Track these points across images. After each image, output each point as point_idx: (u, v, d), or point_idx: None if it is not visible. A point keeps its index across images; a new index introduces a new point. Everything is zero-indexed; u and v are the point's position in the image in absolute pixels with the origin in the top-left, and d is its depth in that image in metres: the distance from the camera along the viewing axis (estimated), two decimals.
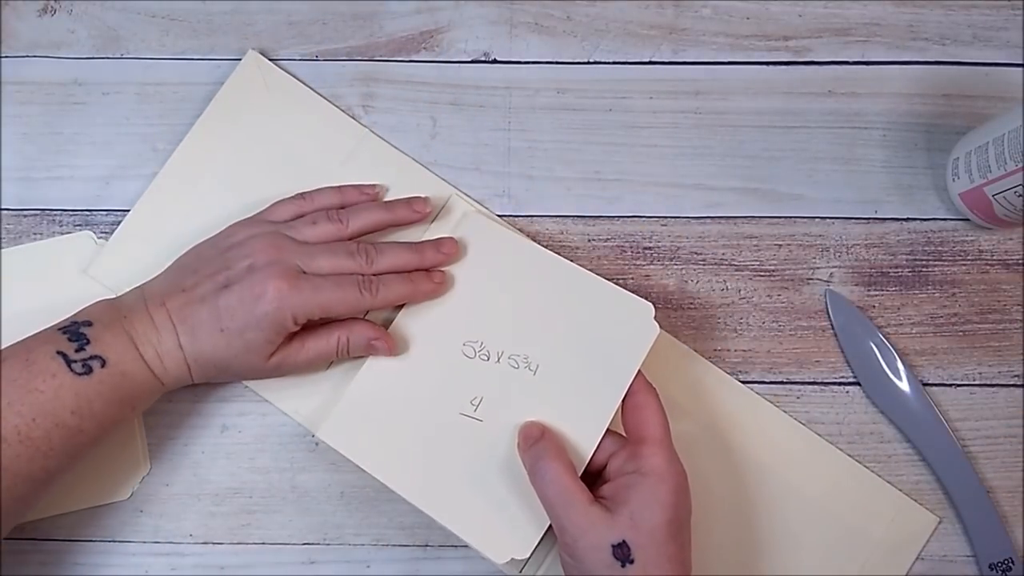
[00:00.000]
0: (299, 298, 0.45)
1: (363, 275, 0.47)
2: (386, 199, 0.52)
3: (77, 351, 0.42)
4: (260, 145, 0.53)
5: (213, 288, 0.45)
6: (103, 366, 0.43)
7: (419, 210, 0.51)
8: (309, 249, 0.47)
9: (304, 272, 0.46)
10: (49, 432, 0.41)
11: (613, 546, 0.42)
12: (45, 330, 0.44)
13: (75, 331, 0.43)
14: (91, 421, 0.42)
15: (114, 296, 0.47)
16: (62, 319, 0.45)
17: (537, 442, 0.46)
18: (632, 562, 0.42)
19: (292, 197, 0.50)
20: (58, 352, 0.42)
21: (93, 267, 0.51)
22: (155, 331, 0.44)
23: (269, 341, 0.45)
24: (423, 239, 0.50)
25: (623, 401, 0.47)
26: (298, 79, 0.54)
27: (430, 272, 0.49)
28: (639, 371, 0.47)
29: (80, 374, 0.42)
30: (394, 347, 0.48)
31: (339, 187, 0.51)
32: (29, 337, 0.44)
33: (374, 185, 0.52)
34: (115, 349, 0.43)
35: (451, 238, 0.50)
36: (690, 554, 0.44)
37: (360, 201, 0.51)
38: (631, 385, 0.47)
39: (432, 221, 0.52)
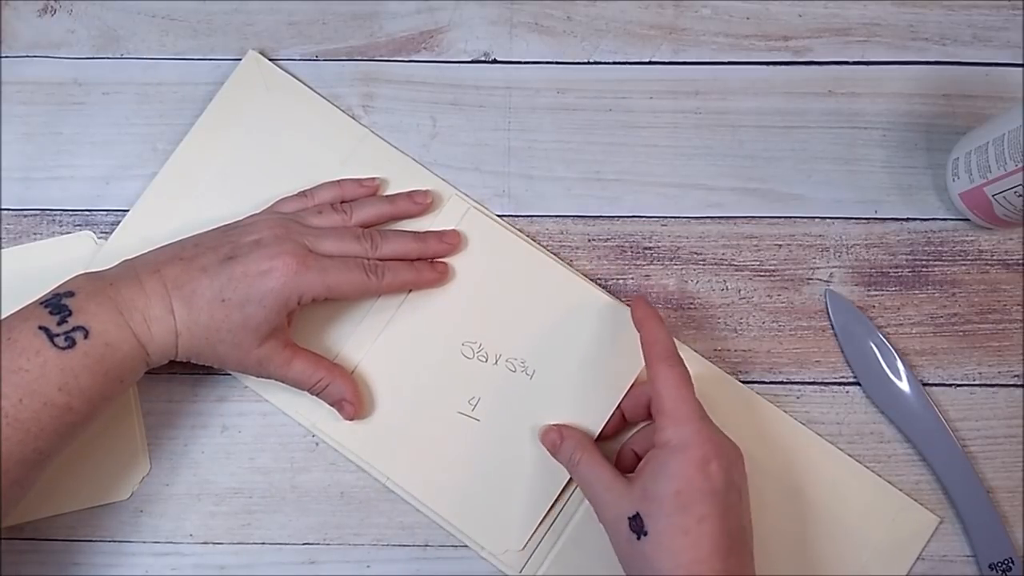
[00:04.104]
0: (306, 277, 0.45)
1: (369, 259, 0.47)
2: (386, 194, 0.52)
3: (59, 324, 0.41)
4: (260, 145, 0.53)
5: (217, 259, 0.45)
6: (86, 337, 0.41)
7: (420, 201, 0.51)
8: (316, 232, 0.47)
9: (312, 252, 0.46)
10: (38, 412, 0.40)
11: (629, 519, 0.42)
12: (28, 305, 0.43)
13: (57, 303, 0.42)
14: (79, 397, 0.41)
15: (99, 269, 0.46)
16: (45, 292, 0.43)
17: (561, 445, 0.47)
18: (646, 534, 0.42)
19: (295, 194, 0.51)
20: (40, 327, 0.41)
21: (92, 268, 0.51)
22: (144, 296, 0.43)
23: (268, 320, 0.44)
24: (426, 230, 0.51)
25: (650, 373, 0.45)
26: (298, 79, 0.54)
27: (434, 262, 0.50)
28: (672, 346, 0.45)
29: (63, 348, 0.41)
30: (358, 416, 0.49)
31: (338, 181, 0.51)
32: (12, 314, 0.42)
33: (374, 179, 0.52)
34: (99, 318, 0.42)
35: (455, 230, 0.51)
36: (718, 529, 0.41)
37: (360, 194, 0.51)
38: (658, 357, 0.45)
39: (432, 222, 0.52)
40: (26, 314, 0.42)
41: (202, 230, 0.48)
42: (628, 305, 0.51)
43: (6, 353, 0.40)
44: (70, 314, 0.42)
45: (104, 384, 0.42)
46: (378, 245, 0.48)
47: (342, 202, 0.50)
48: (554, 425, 0.49)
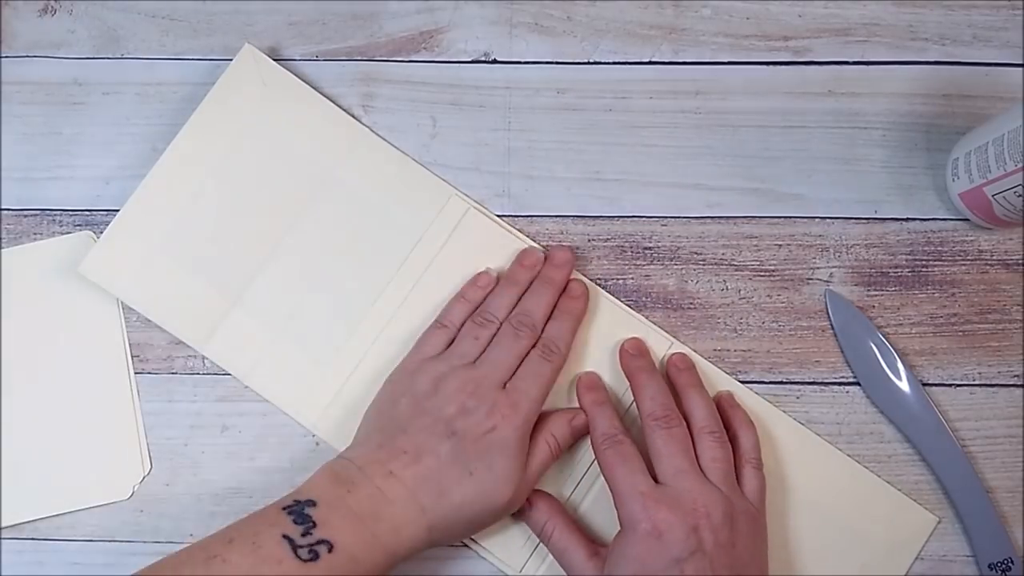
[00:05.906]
0: (521, 410, 0.45)
1: (541, 346, 0.47)
2: (395, 202, 0.52)
3: (303, 535, 0.40)
4: (256, 141, 0.52)
5: (438, 442, 0.44)
6: (330, 551, 0.40)
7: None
8: (487, 360, 0.47)
9: (505, 384, 0.46)
10: None
11: None
12: (270, 507, 0.42)
13: (300, 512, 0.41)
14: None
15: (330, 462, 0.45)
16: (285, 496, 0.42)
17: (531, 512, 0.47)
18: None
19: (432, 327, 0.49)
20: (284, 536, 0.40)
21: (84, 264, 0.50)
22: (387, 503, 0.42)
23: (518, 461, 0.45)
24: (430, 245, 0.51)
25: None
26: (297, 77, 0.54)
27: (568, 291, 0.50)
28: (609, 427, 0.47)
29: (306, 560, 0.40)
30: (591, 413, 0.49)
31: (460, 295, 0.50)
32: (254, 514, 0.42)
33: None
34: (343, 531, 0.41)
35: (563, 247, 0.51)
36: None
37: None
38: (597, 442, 0.47)
39: (432, 222, 0.52)
40: (271, 519, 0.41)
41: (201, 235, 0.48)
42: (626, 307, 0.51)
43: (250, 559, 0.39)
44: (314, 526, 0.41)
45: None
46: (532, 323, 0.48)
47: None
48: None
